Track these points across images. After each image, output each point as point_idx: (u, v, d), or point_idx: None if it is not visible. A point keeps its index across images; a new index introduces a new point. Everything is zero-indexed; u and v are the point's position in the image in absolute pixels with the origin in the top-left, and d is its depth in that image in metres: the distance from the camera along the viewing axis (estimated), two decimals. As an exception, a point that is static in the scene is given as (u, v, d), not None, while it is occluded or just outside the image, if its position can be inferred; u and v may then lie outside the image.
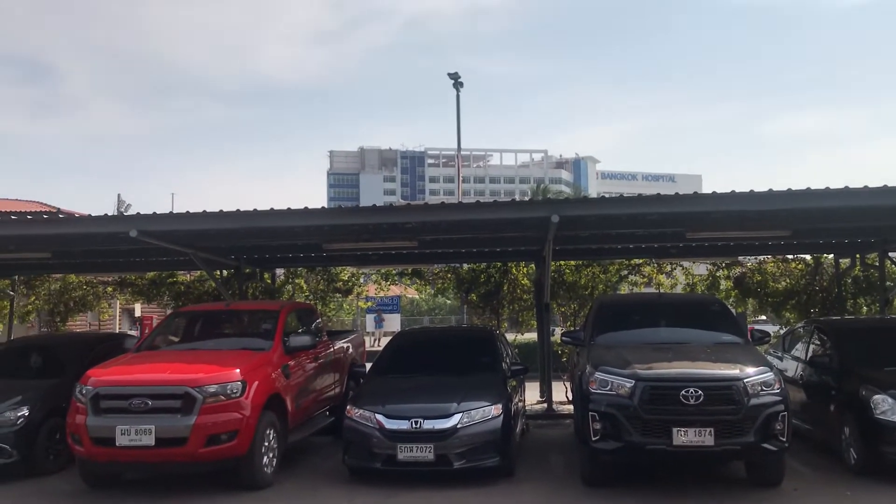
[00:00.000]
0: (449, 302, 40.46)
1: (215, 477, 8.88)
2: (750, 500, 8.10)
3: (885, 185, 9.62)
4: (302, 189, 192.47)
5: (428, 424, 8.76)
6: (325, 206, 19.23)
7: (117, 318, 26.25)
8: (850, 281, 16.23)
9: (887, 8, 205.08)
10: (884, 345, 10.26)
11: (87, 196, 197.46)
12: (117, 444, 8.25)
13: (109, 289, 19.15)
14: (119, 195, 44.28)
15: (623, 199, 10.75)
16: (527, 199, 40.94)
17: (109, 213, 13.28)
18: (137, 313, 29.45)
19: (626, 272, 17.21)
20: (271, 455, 9.07)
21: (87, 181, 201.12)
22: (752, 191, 9.86)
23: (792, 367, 11.19)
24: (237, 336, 10.86)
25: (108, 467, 8.77)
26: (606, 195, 13.23)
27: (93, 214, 11.21)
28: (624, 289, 17.51)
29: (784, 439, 7.98)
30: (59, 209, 24.23)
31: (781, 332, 15.25)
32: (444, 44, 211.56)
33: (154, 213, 10.90)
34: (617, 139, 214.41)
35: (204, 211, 10.73)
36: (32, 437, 9.66)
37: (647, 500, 8.16)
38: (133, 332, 22.93)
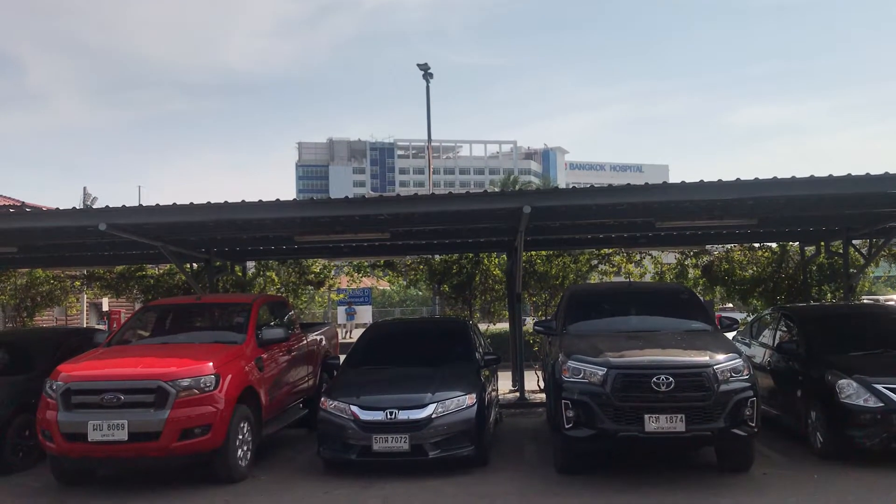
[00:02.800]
0: (420, 293, 40.46)
1: (189, 471, 8.84)
2: (720, 485, 8.24)
3: (850, 175, 9.83)
4: (271, 181, 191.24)
5: (403, 415, 8.79)
6: (295, 197, 19.13)
7: (85, 312, 25.90)
8: (815, 268, 16.54)
9: (849, 1, 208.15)
10: (848, 331, 10.48)
11: (51, 190, 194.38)
12: (89, 439, 8.17)
13: (77, 283, 18.92)
14: (85, 188, 43.77)
15: (594, 189, 10.84)
16: (496, 190, 41.10)
17: (76, 207, 13.12)
18: (105, 308, 29.08)
19: (596, 262, 17.41)
20: (246, 448, 9.05)
21: (51, 175, 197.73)
22: (720, 180, 10.02)
23: (760, 354, 11.38)
24: (210, 329, 10.80)
25: (80, 463, 8.67)
26: (575, 185, 13.34)
27: (60, 208, 11.06)
28: (594, 278, 17.69)
29: (753, 425, 8.11)
30: (23, 203, 23.79)
31: (748, 319, 15.51)
32: (410, 35, 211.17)
33: (123, 205, 10.78)
34: (585, 130, 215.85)
35: (174, 203, 10.64)
36: (1, 435, 9.51)
37: (619, 486, 8.27)
38: (101, 327, 22.67)
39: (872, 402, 8.64)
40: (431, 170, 47.94)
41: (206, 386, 8.48)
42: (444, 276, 17.51)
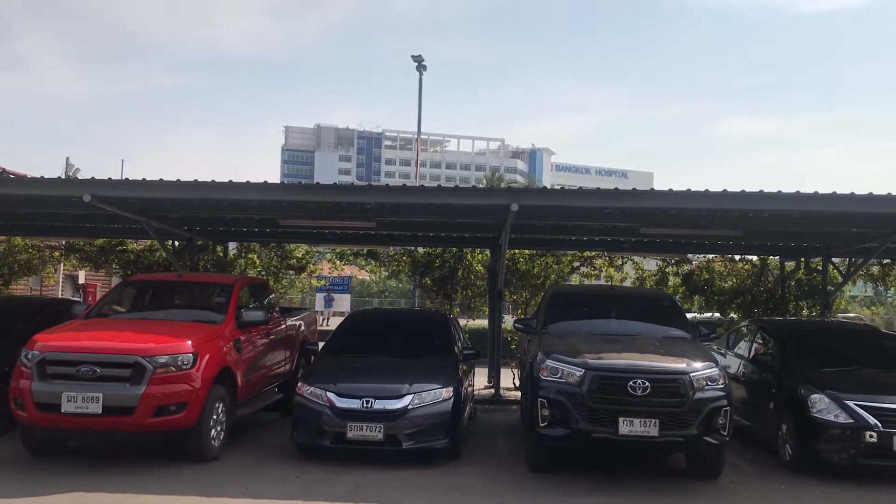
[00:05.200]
0: (400, 285, 40.39)
1: (161, 448, 8.80)
2: (689, 491, 8.33)
3: (835, 192, 9.97)
4: (256, 164, 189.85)
5: (379, 404, 8.80)
6: (281, 181, 19.08)
7: (60, 284, 25.64)
8: (793, 283, 16.70)
9: (838, 17, 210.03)
10: (823, 346, 10.61)
11: (32, 158, 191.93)
12: (63, 410, 8.10)
13: (57, 254, 18.73)
14: (67, 159, 43.32)
15: (582, 191, 10.90)
16: (483, 186, 41.02)
17: (60, 177, 12.98)
18: (81, 280, 28.81)
19: (578, 264, 17.48)
20: (219, 428, 9.02)
21: (33, 142, 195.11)
22: (707, 190, 10.13)
23: (734, 364, 11.48)
24: (189, 308, 10.75)
25: (52, 434, 8.61)
26: (561, 187, 13.37)
27: (45, 176, 10.94)
28: (575, 280, 17.77)
29: (725, 433, 8.20)
30: (4, 169, 23.50)
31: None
32: (402, 24, 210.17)
33: (109, 178, 10.69)
34: (572, 132, 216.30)
35: (161, 179, 10.56)
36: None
37: (589, 486, 8.33)
38: (77, 300, 22.47)
39: (843, 418, 8.74)
40: (419, 162, 47.86)
41: (184, 364, 8.45)
42: (426, 269, 17.52)
